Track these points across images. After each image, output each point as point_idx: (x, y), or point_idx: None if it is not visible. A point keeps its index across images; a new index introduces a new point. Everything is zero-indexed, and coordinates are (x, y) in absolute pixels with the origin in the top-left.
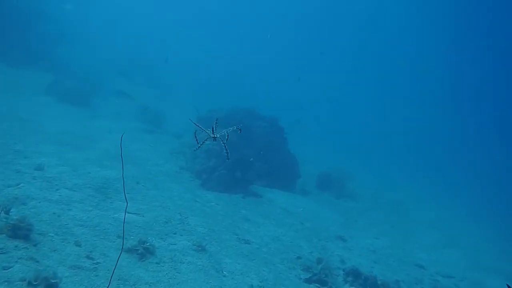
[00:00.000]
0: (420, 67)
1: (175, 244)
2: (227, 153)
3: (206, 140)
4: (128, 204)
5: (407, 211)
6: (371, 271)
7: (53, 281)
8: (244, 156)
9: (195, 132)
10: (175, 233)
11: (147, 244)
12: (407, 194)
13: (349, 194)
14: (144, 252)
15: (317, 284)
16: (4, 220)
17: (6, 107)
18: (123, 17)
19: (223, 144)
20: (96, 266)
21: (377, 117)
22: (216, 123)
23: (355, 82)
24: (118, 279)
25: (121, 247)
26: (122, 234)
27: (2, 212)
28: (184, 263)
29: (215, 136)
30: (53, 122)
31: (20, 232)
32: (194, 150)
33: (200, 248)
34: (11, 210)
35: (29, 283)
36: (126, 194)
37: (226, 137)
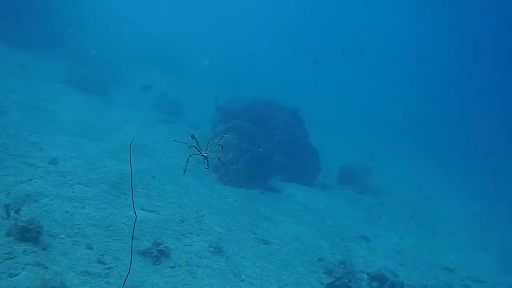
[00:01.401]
0: (435, 58)
1: (191, 246)
2: (224, 165)
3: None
4: (143, 201)
5: (432, 208)
6: (397, 275)
7: None
8: (263, 150)
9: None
10: (191, 233)
11: (162, 246)
12: (430, 190)
13: (371, 189)
14: (158, 255)
15: None
16: (14, 221)
17: (23, 94)
18: (142, 4)
19: (218, 159)
20: (108, 272)
21: (396, 110)
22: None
23: (373, 75)
24: (131, 287)
25: (134, 250)
26: (131, 241)
27: (12, 211)
28: (200, 266)
29: (206, 155)
30: (69, 111)
31: (29, 234)
32: (183, 173)
33: (217, 250)
34: (22, 209)
35: None
36: (141, 189)
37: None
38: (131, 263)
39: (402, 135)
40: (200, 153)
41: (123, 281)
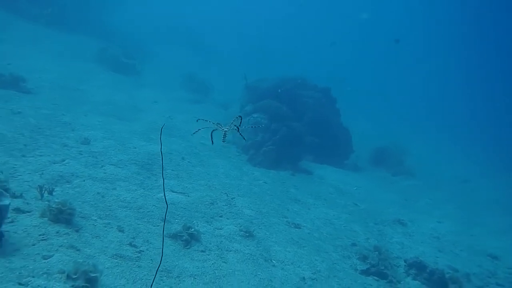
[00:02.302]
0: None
1: (221, 229)
2: (244, 138)
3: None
4: (173, 182)
5: (472, 190)
6: (436, 262)
7: (93, 275)
8: (293, 130)
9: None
10: (221, 216)
11: (192, 230)
12: (469, 171)
13: (407, 171)
14: (189, 238)
15: (375, 277)
16: (47, 202)
17: (56, 74)
18: None
19: (239, 133)
20: (139, 255)
21: (431, 91)
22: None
23: (407, 53)
24: (161, 270)
25: (165, 233)
26: (163, 227)
27: (46, 192)
28: (231, 251)
29: (226, 129)
30: (100, 91)
31: (62, 216)
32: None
33: (247, 234)
34: (55, 190)
35: (68, 277)
36: (171, 171)
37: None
38: (162, 248)
39: (438, 115)
40: (221, 128)
41: (154, 265)
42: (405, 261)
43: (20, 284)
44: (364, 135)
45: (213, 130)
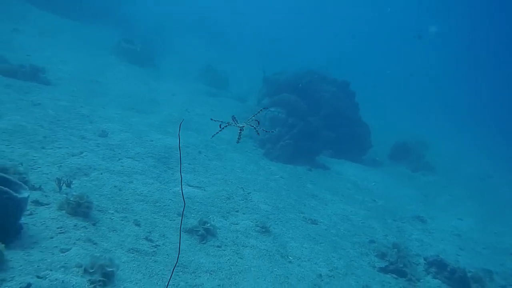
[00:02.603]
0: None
1: (237, 224)
2: (257, 132)
3: (226, 126)
4: (189, 176)
5: (495, 186)
6: (457, 260)
7: (109, 269)
8: (311, 124)
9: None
10: (237, 211)
11: (208, 225)
12: (492, 167)
13: (426, 166)
14: (205, 233)
15: (394, 275)
16: (65, 195)
17: (75, 65)
18: None
19: (254, 128)
20: (155, 249)
21: (451, 85)
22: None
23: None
24: (178, 265)
25: (182, 228)
26: (181, 221)
27: (64, 185)
28: (247, 246)
29: (241, 126)
30: (118, 83)
31: (80, 209)
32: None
33: (263, 230)
34: (73, 183)
35: (85, 270)
36: (187, 164)
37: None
38: (180, 244)
39: (459, 109)
40: (237, 125)
41: (170, 260)
42: (425, 259)
43: (38, 277)
44: (383, 129)
45: (226, 125)
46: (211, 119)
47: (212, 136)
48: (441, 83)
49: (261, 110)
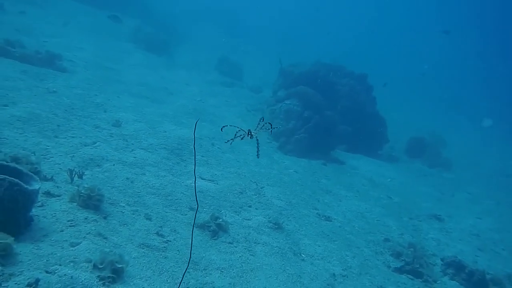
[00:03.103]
0: None
1: (249, 220)
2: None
3: (239, 136)
4: (202, 169)
5: None
6: (476, 261)
7: (119, 265)
8: (326, 118)
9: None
10: (250, 206)
11: (220, 220)
12: None
13: (444, 162)
14: (216, 229)
15: (409, 276)
16: (76, 187)
17: (91, 53)
18: None
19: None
20: (166, 245)
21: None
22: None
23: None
24: (188, 262)
25: (192, 223)
26: (194, 219)
27: (76, 176)
28: (259, 243)
29: (254, 133)
30: (133, 71)
31: (91, 202)
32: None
33: (276, 226)
34: (85, 173)
35: (95, 266)
36: (200, 157)
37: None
38: (192, 241)
39: (480, 103)
40: (249, 134)
41: (181, 256)
42: (442, 260)
43: (47, 272)
44: (401, 124)
45: (240, 135)
46: (221, 130)
47: (226, 142)
48: (461, 78)
49: (262, 120)
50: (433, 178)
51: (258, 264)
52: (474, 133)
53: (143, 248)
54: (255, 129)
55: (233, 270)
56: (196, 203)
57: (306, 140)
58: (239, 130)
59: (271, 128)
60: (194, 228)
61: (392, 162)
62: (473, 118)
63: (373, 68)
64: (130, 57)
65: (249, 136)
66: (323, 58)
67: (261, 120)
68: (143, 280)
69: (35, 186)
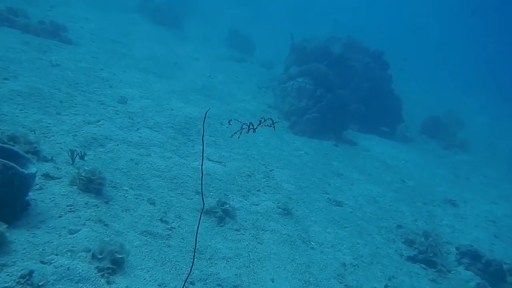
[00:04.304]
0: None
1: (257, 205)
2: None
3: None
4: (210, 150)
5: None
6: (492, 250)
7: (119, 256)
8: (340, 97)
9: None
10: (258, 190)
11: (227, 206)
12: None
13: (460, 144)
14: (223, 215)
15: (422, 265)
16: (77, 170)
17: (98, 24)
18: None
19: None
20: (170, 232)
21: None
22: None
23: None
24: (192, 251)
25: (198, 208)
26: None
27: (77, 157)
28: (267, 230)
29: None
30: (141, 44)
31: (92, 186)
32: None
33: (285, 212)
34: (88, 154)
35: (93, 256)
36: (208, 137)
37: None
38: (197, 230)
39: (499, 83)
40: (251, 127)
41: (185, 244)
42: (457, 249)
43: (42, 262)
44: (416, 103)
45: (243, 128)
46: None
47: (231, 136)
48: (480, 55)
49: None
50: (447, 159)
51: (265, 253)
52: (496, 113)
53: (145, 236)
54: (258, 125)
55: (239, 259)
56: (202, 203)
57: (317, 120)
58: (243, 125)
59: (273, 123)
60: (198, 214)
61: (406, 143)
62: (497, 98)
63: (392, 46)
64: (138, 30)
65: (253, 130)
66: (337, 33)
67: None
68: (144, 271)
69: (32, 169)
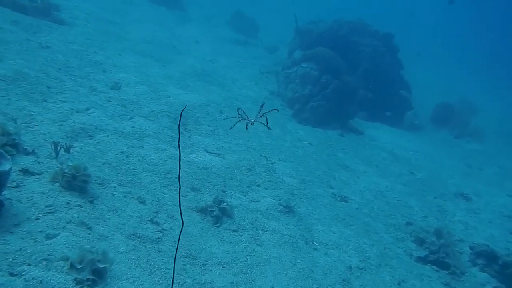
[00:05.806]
0: None
1: (257, 202)
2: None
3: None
4: (208, 140)
5: None
6: (508, 248)
7: (101, 266)
8: (346, 84)
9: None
10: (258, 185)
11: (224, 204)
12: None
13: (473, 132)
14: (220, 214)
15: (434, 267)
16: (60, 165)
17: (94, 3)
18: None
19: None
20: (161, 235)
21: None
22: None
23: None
24: (185, 256)
25: (193, 206)
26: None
27: (62, 149)
28: (267, 231)
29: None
30: (139, 26)
31: (76, 183)
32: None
33: (287, 210)
34: (74, 146)
35: (72, 266)
36: (206, 126)
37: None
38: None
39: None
40: (248, 119)
41: (178, 249)
42: (471, 249)
43: (11, 274)
44: (426, 89)
45: (239, 120)
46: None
47: (230, 128)
48: (495, 40)
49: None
50: (459, 149)
51: (265, 257)
52: (509, 99)
53: (133, 240)
54: (257, 116)
55: (236, 265)
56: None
57: (323, 108)
58: (241, 118)
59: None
60: (195, 213)
61: (415, 131)
62: (509, 83)
63: (404, 30)
64: (137, 10)
65: (251, 123)
66: (344, 15)
67: (262, 107)
68: (130, 281)
69: (6, 166)
